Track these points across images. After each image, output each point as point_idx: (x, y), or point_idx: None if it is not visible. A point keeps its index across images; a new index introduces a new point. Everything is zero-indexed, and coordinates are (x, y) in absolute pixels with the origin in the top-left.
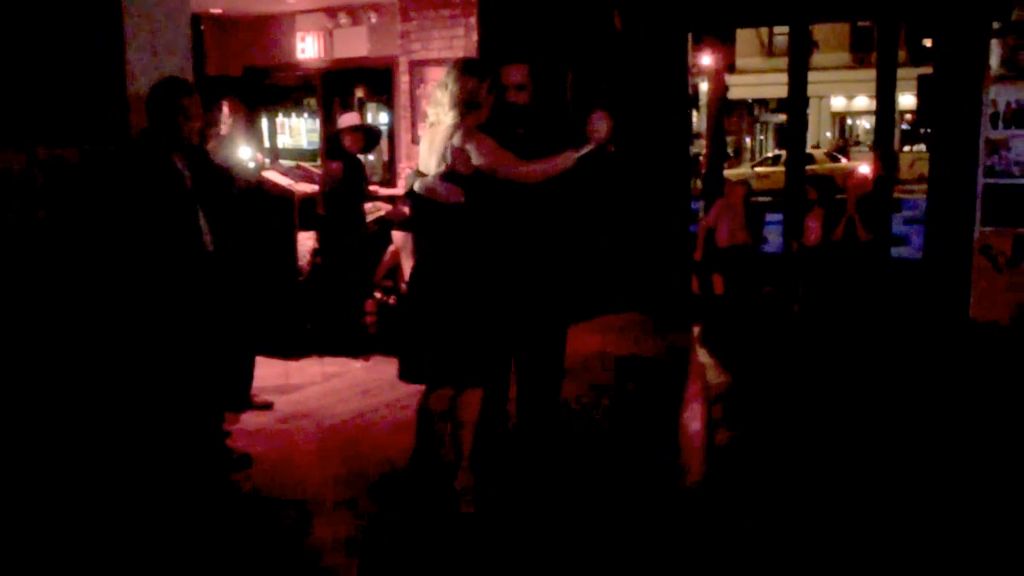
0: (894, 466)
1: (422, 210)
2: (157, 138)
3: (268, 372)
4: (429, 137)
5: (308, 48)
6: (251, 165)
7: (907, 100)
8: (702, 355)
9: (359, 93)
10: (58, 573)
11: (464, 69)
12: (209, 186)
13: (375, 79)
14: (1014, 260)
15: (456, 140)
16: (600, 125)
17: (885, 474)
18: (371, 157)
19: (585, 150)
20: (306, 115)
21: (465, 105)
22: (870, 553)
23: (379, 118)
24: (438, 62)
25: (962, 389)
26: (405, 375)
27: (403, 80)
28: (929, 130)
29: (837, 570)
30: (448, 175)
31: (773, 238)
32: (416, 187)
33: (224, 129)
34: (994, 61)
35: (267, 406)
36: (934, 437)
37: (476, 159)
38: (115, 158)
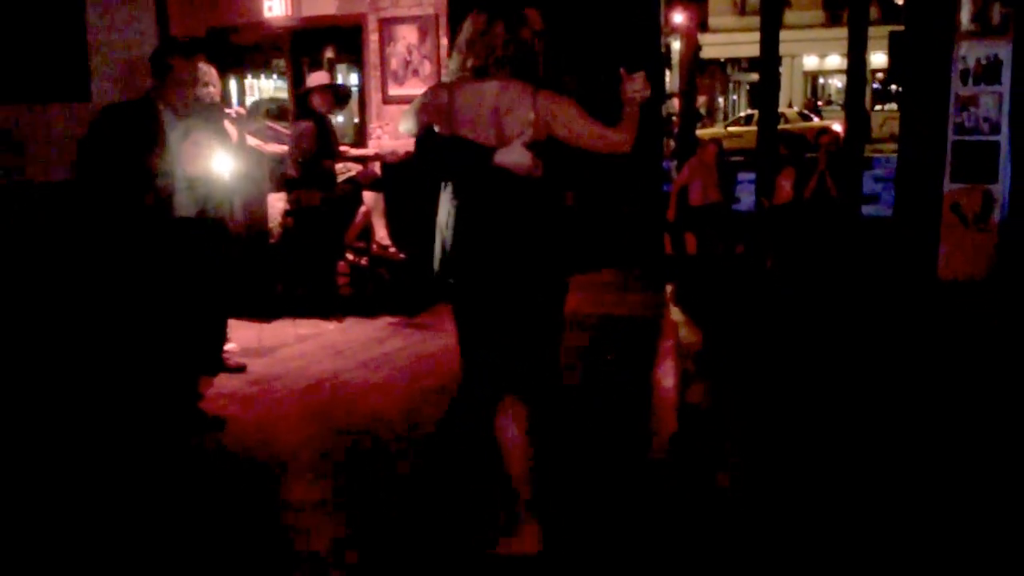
0: (865, 420)
1: (498, 185)
2: (149, 97)
3: (241, 335)
4: (470, 97)
5: (275, 6)
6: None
7: (879, 59)
8: (675, 313)
9: (328, 53)
10: (31, 533)
11: (512, 17)
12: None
13: (344, 38)
14: (982, 216)
15: (540, 105)
16: (639, 83)
17: (856, 429)
18: (340, 118)
19: (635, 109)
20: (275, 76)
21: (517, 60)
22: (842, 510)
23: (350, 79)
24: (408, 20)
25: (931, 344)
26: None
27: (372, 39)
28: (900, 88)
29: (810, 526)
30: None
31: (745, 197)
32: (504, 159)
33: (216, 91)
34: (964, 17)
35: (240, 369)
36: (904, 392)
37: (558, 124)
38: (91, 114)
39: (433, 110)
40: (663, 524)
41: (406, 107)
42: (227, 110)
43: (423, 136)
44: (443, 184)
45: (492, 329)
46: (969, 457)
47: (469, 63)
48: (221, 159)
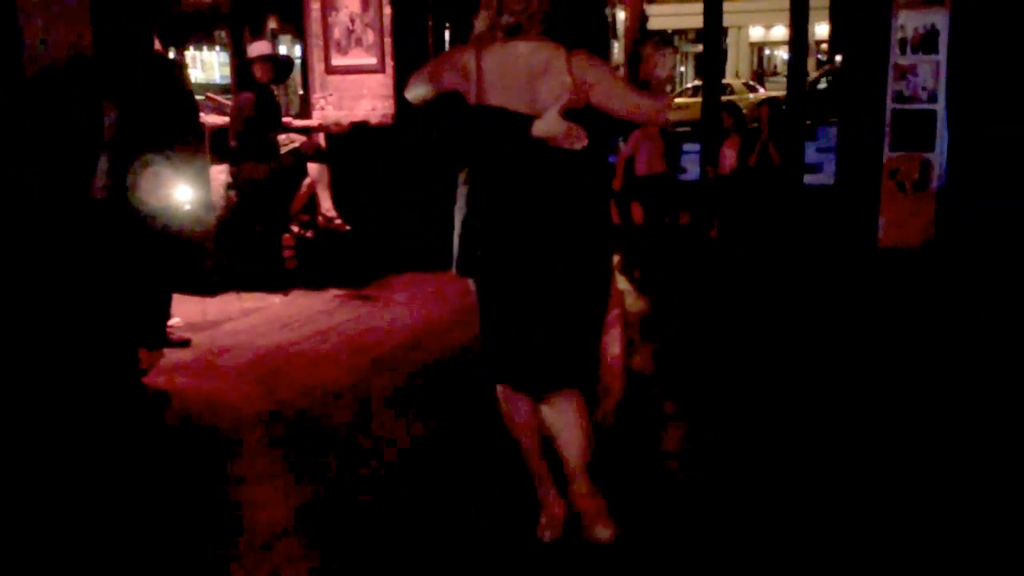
0: (805, 386)
1: (538, 161)
2: None
3: (185, 309)
4: (502, 60)
5: None
6: None
7: (824, 30)
8: (621, 282)
9: (271, 23)
10: None
11: None
12: None
13: (286, 7)
14: (920, 184)
15: (576, 67)
16: (669, 62)
17: (797, 394)
18: (283, 90)
19: (663, 86)
20: (218, 48)
21: (550, 17)
22: (782, 478)
23: (294, 50)
24: None
25: (871, 309)
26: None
27: (314, 8)
28: (840, 57)
29: (749, 487)
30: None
31: (691, 168)
32: (541, 129)
33: None
34: None
35: (184, 343)
36: (841, 354)
37: (597, 89)
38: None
39: (456, 75)
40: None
41: (350, 77)
42: None
43: (444, 106)
44: (466, 164)
45: (533, 318)
46: (907, 422)
47: (504, 20)
48: (181, 190)
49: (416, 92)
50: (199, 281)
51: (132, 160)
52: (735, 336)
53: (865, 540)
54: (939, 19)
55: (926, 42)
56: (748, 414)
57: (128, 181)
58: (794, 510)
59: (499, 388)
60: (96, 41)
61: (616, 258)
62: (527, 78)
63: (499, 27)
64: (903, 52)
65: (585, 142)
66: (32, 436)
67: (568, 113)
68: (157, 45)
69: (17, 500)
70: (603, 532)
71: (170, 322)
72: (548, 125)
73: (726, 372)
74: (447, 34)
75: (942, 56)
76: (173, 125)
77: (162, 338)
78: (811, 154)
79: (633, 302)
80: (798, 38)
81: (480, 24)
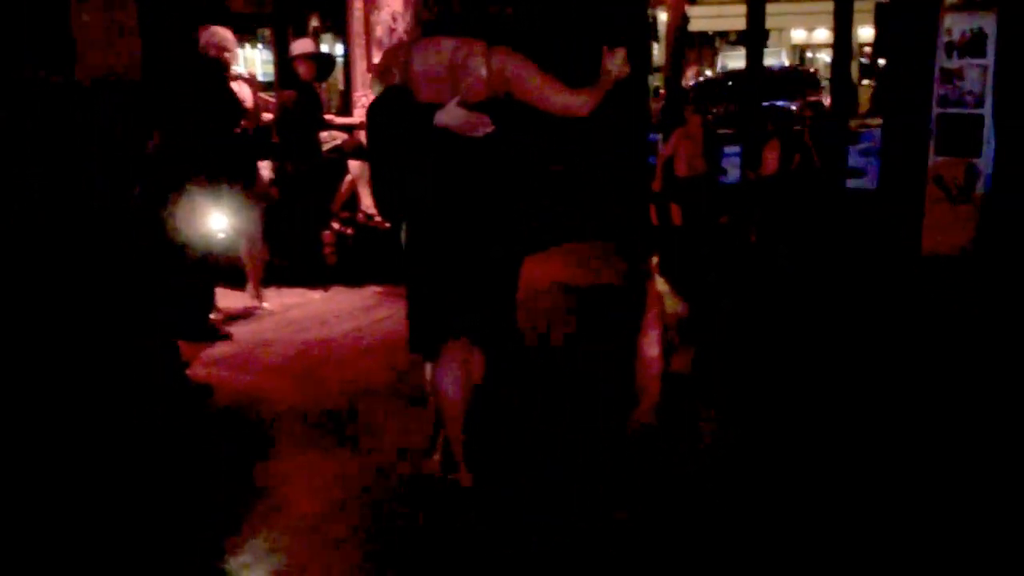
0: (845, 390)
1: (442, 145)
2: None
3: (227, 303)
4: (426, 56)
5: None
6: None
7: (867, 33)
8: (660, 284)
9: (314, 22)
10: (25, 503)
11: None
12: None
13: (329, 6)
14: (966, 190)
15: (494, 62)
16: (619, 59)
17: (838, 401)
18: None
19: (609, 82)
20: (260, 46)
21: (471, 17)
22: (818, 482)
23: (335, 48)
24: None
25: (912, 316)
26: (424, 346)
27: (357, 6)
28: (885, 61)
29: (786, 496)
30: (480, 104)
31: (732, 170)
32: (441, 118)
33: (232, 56)
34: None
35: (226, 337)
36: (884, 363)
37: (514, 82)
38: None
39: (399, 69)
40: (641, 489)
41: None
42: (239, 73)
43: (376, 102)
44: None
45: (446, 284)
46: (949, 432)
47: (422, 16)
48: (217, 219)
49: (374, 89)
50: (240, 276)
51: (174, 178)
52: (773, 340)
53: (906, 546)
54: (987, 22)
55: (973, 46)
56: (785, 418)
57: (168, 208)
58: (827, 512)
59: (429, 367)
60: (145, 59)
61: (654, 259)
62: (448, 72)
63: (419, 24)
64: (949, 56)
65: (488, 129)
66: (77, 426)
67: (486, 105)
68: (207, 45)
69: (64, 485)
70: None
71: (212, 316)
72: (448, 115)
73: (763, 375)
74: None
75: (990, 60)
76: (218, 134)
77: (204, 331)
78: (854, 157)
79: (671, 304)
80: (842, 41)
81: (403, 24)
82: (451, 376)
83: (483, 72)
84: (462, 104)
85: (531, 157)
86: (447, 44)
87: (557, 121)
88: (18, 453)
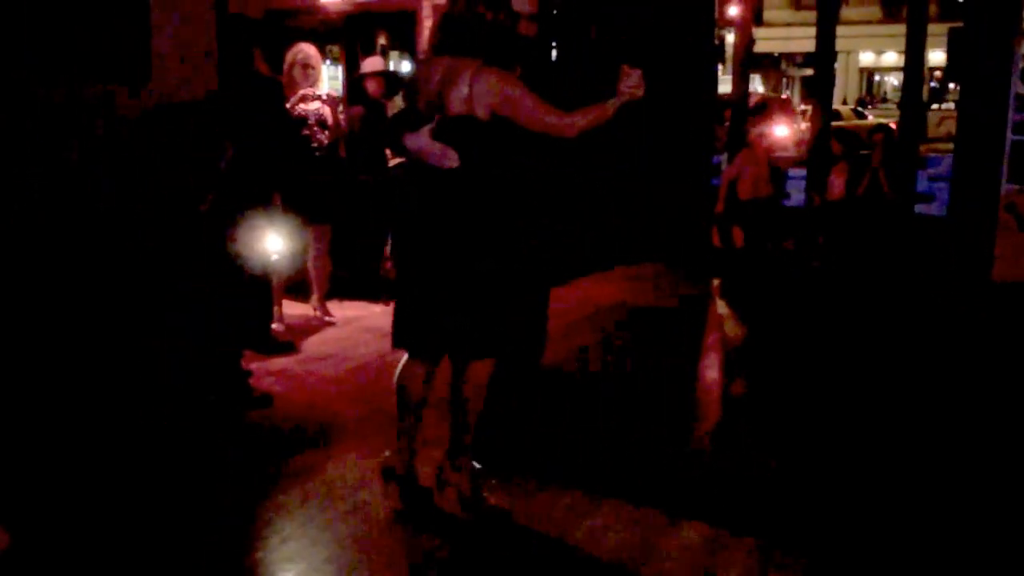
0: (909, 423)
1: (414, 171)
2: None
3: (288, 314)
4: (425, 73)
5: None
6: None
7: (936, 57)
8: (721, 307)
9: (381, 39)
10: (87, 501)
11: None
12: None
13: (398, 24)
14: None
15: (479, 81)
16: (634, 80)
17: (900, 431)
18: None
19: (618, 103)
20: (328, 62)
21: (475, 39)
22: (877, 510)
23: (402, 66)
24: None
25: (982, 349)
26: (410, 343)
27: (426, 25)
28: (958, 86)
29: (844, 522)
30: (441, 130)
31: (796, 194)
32: (411, 145)
33: (317, 73)
34: None
35: (290, 347)
36: (951, 396)
37: (498, 102)
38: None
39: (413, 86)
40: (696, 507)
41: None
42: (321, 94)
43: (392, 117)
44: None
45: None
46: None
47: (436, 40)
48: (272, 240)
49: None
50: (303, 287)
51: (244, 193)
52: (834, 367)
53: None
54: None
55: None
56: (842, 444)
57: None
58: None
59: (405, 359)
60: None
61: (716, 282)
62: (439, 87)
63: (433, 46)
64: None
65: (454, 164)
66: (142, 434)
67: (469, 123)
68: (293, 62)
69: (121, 491)
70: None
71: (275, 327)
72: (415, 141)
73: (822, 402)
74: (553, 49)
75: None
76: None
77: (267, 342)
78: (922, 182)
79: (732, 328)
80: (913, 64)
81: (425, 44)
82: (414, 371)
83: (464, 90)
84: (439, 132)
85: (539, 177)
86: (443, 63)
87: (608, 141)
88: (15, 455)
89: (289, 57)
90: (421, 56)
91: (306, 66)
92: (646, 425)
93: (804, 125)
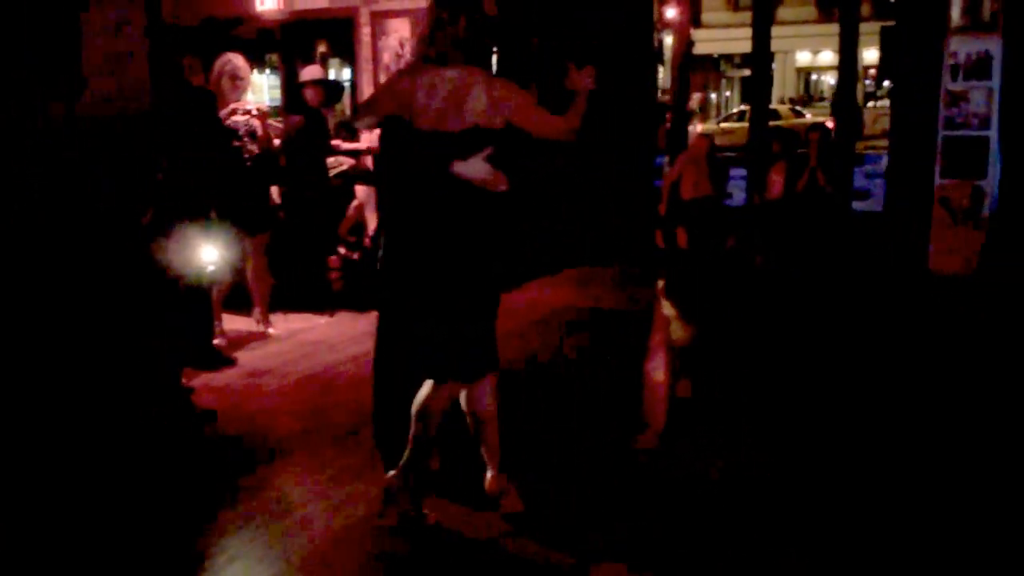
0: (853, 415)
1: (456, 195)
2: None
3: (230, 328)
4: (431, 84)
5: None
6: None
7: (872, 56)
8: (666, 307)
9: (321, 48)
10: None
11: (469, 5)
12: None
13: (336, 32)
14: (972, 212)
15: (495, 90)
16: (585, 76)
17: (844, 423)
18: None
19: (583, 99)
20: (268, 71)
21: (473, 46)
22: (825, 504)
23: (342, 74)
24: (400, 13)
25: (918, 337)
26: (447, 368)
27: (364, 32)
28: (891, 83)
29: (791, 518)
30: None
31: (737, 193)
32: (465, 172)
33: (246, 84)
34: (955, 12)
35: (231, 362)
36: (892, 384)
37: (513, 110)
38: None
39: (398, 98)
40: (644, 508)
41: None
42: (251, 108)
43: (388, 133)
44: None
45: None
46: (955, 450)
47: (433, 50)
48: (208, 252)
49: (364, 121)
50: (245, 301)
51: (179, 206)
52: (780, 363)
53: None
54: (993, 45)
55: (979, 68)
56: (790, 440)
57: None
58: (830, 535)
59: (429, 385)
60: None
61: (661, 283)
62: (453, 101)
63: (429, 57)
64: (955, 78)
65: (505, 187)
66: (79, 452)
67: (482, 135)
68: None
69: (64, 509)
70: (516, 505)
71: (216, 341)
72: (471, 168)
73: (769, 398)
74: (494, 57)
75: (995, 82)
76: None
77: (208, 357)
78: (859, 179)
79: (677, 328)
80: (847, 63)
81: (410, 54)
82: (443, 395)
83: (484, 100)
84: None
85: (531, 183)
86: (450, 74)
87: (555, 145)
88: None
89: (217, 67)
90: (403, 68)
91: (235, 77)
92: (596, 426)
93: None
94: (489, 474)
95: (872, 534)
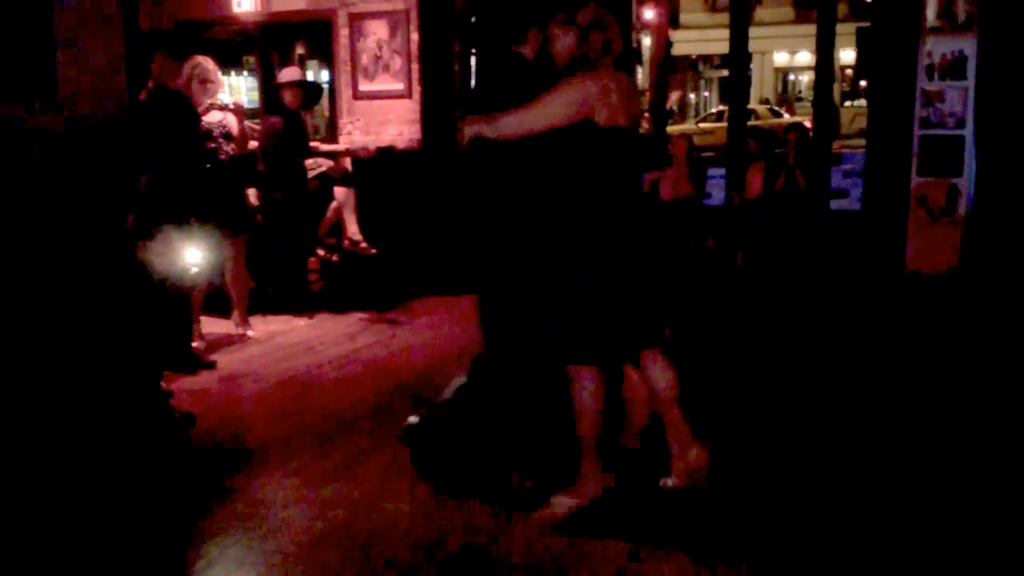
0: (832, 412)
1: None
2: None
3: (211, 331)
4: (612, 85)
5: (244, 1)
6: None
7: (848, 56)
8: None
9: (299, 49)
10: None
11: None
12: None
13: (314, 34)
14: (948, 210)
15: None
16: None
17: (823, 419)
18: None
19: None
20: (245, 73)
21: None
22: (800, 506)
23: (321, 75)
24: (378, 15)
25: (897, 334)
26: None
27: (343, 34)
28: (867, 83)
29: (766, 519)
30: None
31: (717, 193)
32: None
33: (216, 87)
34: (930, 13)
35: (210, 365)
36: (871, 380)
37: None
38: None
39: (590, 101)
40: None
41: (377, 102)
42: (227, 103)
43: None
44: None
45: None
46: (935, 447)
47: (590, 50)
48: (191, 254)
49: (553, 118)
50: (224, 303)
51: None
52: (760, 362)
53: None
54: (967, 45)
55: (954, 68)
56: (768, 438)
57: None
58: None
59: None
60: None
61: None
62: (625, 101)
63: (586, 56)
64: (930, 78)
65: None
66: (60, 455)
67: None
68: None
69: (44, 516)
70: (698, 452)
71: (195, 345)
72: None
73: (750, 398)
74: (472, 60)
75: (970, 82)
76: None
77: (187, 361)
78: (837, 178)
79: None
80: (824, 64)
81: (562, 50)
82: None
83: (630, 100)
84: None
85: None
86: (609, 75)
87: (530, 148)
88: None
89: (186, 71)
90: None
91: (204, 80)
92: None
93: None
94: (693, 452)
95: (847, 536)
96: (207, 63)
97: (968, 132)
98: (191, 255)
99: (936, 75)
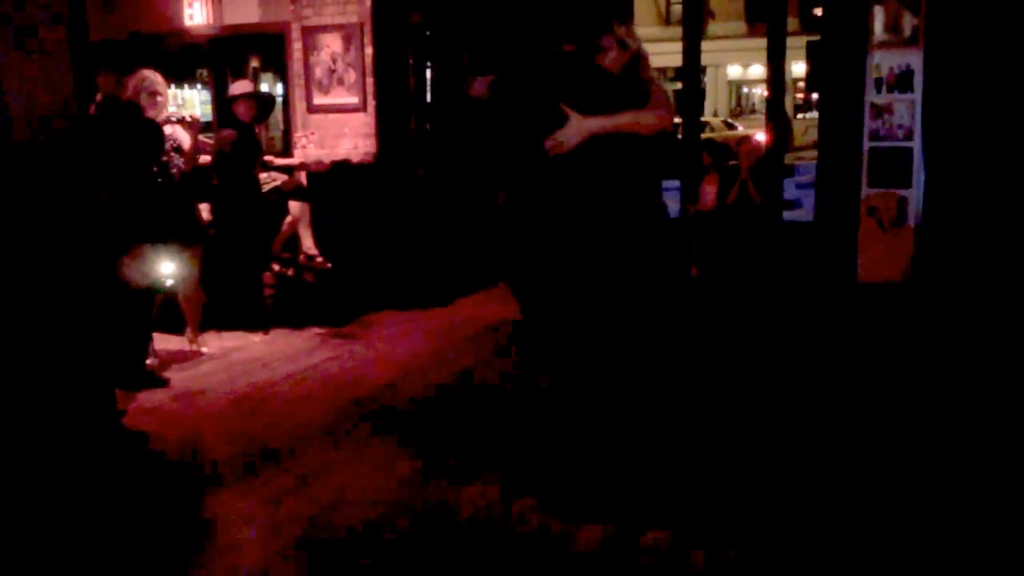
0: (783, 416)
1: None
2: None
3: (164, 347)
4: None
5: (196, 14)
6: None
7: (801, 68)
8: None
9: (253, 62)
10: None
11: None
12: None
13: (268, 47)
14: (898, 221)
15: None
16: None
17: (773, 428)
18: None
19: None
20: (199, 86)
21: None
22: (750, 510)
23: (275, 89)
24: (332, 28)
25: (848, 344)
26: None
27: (296, 47)
28: (817, 96)
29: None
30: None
31: (671, 204)
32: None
33: (164, 100)
34: (878, 27)
35: (163, 382)
36: (819, 385)
37: None
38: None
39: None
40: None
41: (332, 116)
42: (180, 115)
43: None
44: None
45: None
46: (881, 455)
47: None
48: (165, 267)
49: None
50: (177, 320)
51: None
52: (713, 372)
53: None
54: (914, 59)
55: (901, 81)
56: (725, 449)
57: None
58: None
59: None
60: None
61: None
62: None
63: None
64: (879, 91)
65: None
66: (7, 474)
67: None
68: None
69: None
70: None
71: (148, 362)
72: None
73: (704, 408)
74: (428, 73)
75: (917, 95)
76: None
77: (140, 378)
78: (790, 190)
79: None
80: (776, 77)
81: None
82: None
83: None
84: None
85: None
86: None
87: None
88: None
89: (133, 84)
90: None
91: (153, 93)
92: (538, 430)
93: None
94: None
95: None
96: (154, 76)
97: (916, 144)
98: (147, 270)
99: (884, 88)
